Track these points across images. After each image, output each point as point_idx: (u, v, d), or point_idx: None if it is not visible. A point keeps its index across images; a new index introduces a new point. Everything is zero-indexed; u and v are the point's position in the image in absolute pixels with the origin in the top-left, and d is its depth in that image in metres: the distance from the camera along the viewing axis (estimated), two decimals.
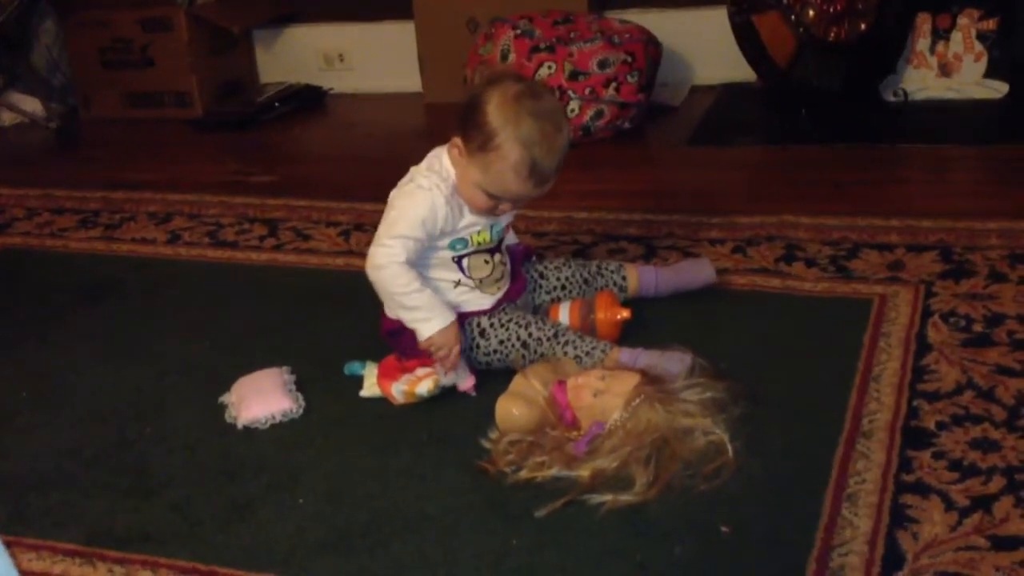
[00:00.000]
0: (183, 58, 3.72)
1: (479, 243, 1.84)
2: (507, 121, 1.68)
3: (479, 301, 1.86)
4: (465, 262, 1.84)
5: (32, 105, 3.82)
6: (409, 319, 1.78)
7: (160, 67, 3.75)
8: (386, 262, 1.76)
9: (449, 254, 1.83)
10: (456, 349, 1.77)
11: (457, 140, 1.75)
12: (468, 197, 1.77)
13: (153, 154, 3.47)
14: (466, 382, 1.78)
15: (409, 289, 1.76)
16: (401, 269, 1.76)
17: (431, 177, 1.78)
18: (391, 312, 1.85)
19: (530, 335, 1.81)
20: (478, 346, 1.83)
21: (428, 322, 1.76)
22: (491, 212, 1.79)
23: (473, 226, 1.82)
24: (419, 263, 1.80)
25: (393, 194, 1.83)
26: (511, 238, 1.99)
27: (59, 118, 3.78)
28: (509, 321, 1.83)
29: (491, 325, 1.83)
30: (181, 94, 3.77)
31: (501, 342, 1.82)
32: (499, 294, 1.88)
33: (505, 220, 1.89)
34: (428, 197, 1.76)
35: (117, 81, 3.82)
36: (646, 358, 1.73)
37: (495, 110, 1.69)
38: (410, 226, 1.76)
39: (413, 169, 1.83)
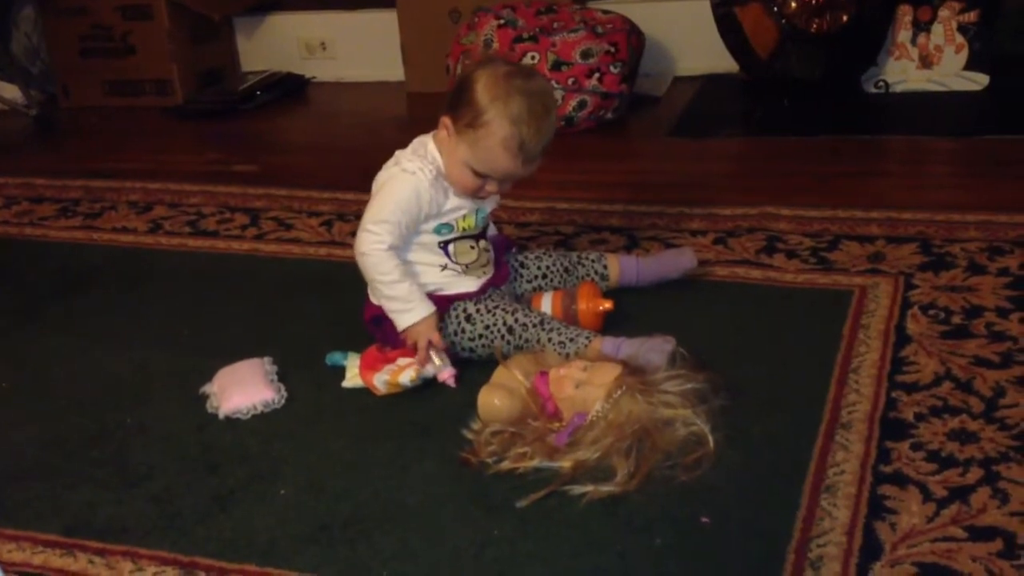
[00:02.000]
0: (163, 46, 3.69)
1: (464, 228, 1.85)
2: (496, 98, 1.71)
3: (466, 284, 1.87)
4: (451, 247, 1.85)
5: (11, 93, 3.79)
6: (389, 308, 1.81)
7: (140, 55, 3.73)
8: (369, 249, 1.77)
9: (435, 239, 1.84)
10: (429, 340, 1.77)
11: (446, 119, 1.77)
12: (455, 177, 1.79)
13: (134, 143, 3.45)
14: (444, 372, 1.78)
15: (390, 279, 1.78)
16: (384, 256, 1.77)
17: (416, 160, 1.79)
18: (375, 298, 1.86)
19: (516, 320, 1.81)
20: (463, 331, 1.83)
21: (406, 313, 1.78)
22: (477, 193, 1.80)
23: (458, 210, 1.83)
24: (404, 247, 1.81)
25: (378, 177, 1.84)
26: (491, 229, 2.00)
27: (38, 106, 3.75)
28: (495, 307, 1.84)
29: (477, 311, 1.84)
30: (162, 82, 3.75)
31: (487, 327, 1.82)
32: (485, 278, 1.89)
33: (489, 206, 1.91)
34: (412, 180, 1.78)
35: (97, 69, 3.79)
36: (628, 347, 1.73)
37: (485, 88, 1.72)
38: (394, 210, 1.77)
39: (398, 152, 1.85)
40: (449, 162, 1.79)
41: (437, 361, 1.78)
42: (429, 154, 1.81)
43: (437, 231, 1.83)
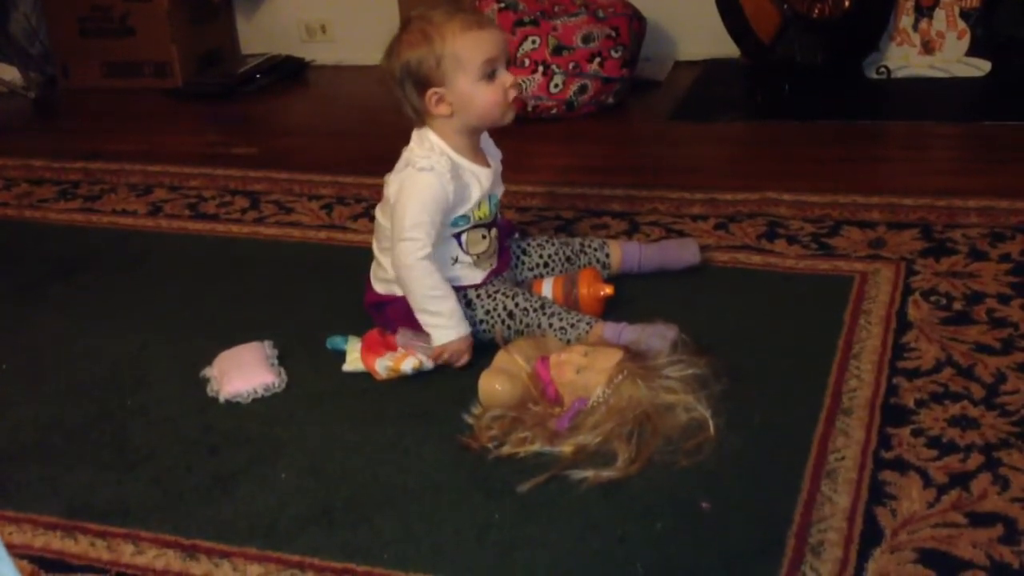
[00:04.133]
0: (163, 27, 3.68)
1: (480, 218, 1.85)
2: (424, 34, 1.75)
3: (472, 276, 1.87)
4: (464, 237, 1.84)
5: (10, 74, 3.78)
6: (428, 322, 1.78)
7: (140, 36, 3.71)
8: (412, 260, 1.76)
9: (451, 230, 1.83)
10: (464, 360, 1.78)
11: (431, 92, 1.76)
12: (481, 107, 1.77)
13: (133, 125, 3.43)
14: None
15: (434, 294, 1.77)
16: (428, 269, 1.76)
17: (429, 157, 1.78)
18: (379, 286, 1.86)
19: (516, 305, 1.81)
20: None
21: (445, 330, 1.77)
22: (507, 99, 1.78)
23: (475, 196, 1.82)
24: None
25: (391, 181, 1.82)
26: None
27: (38, 87, 3.74)
28: (496, 292, 1.84)
29: (478, 296, 1.84)
30: (161, 64, 3.73)
31: (487, 312, 1.82)
32: (489, 269, 1.89)
33: (500, 190, 1.90)
34: (431, 176, 1.76)
35: (96, 50, 3.77)
36: (629, 333, 1.73)
37: (412, 45, 1.76)
38: (423, 210, 1.76)
39: (405, 153, 1.83)
40: (467, 108, 1.77)
41: (422, 357, 1.78)
42: (436, 146, 1.79)
43: (455, 223, 1.82)
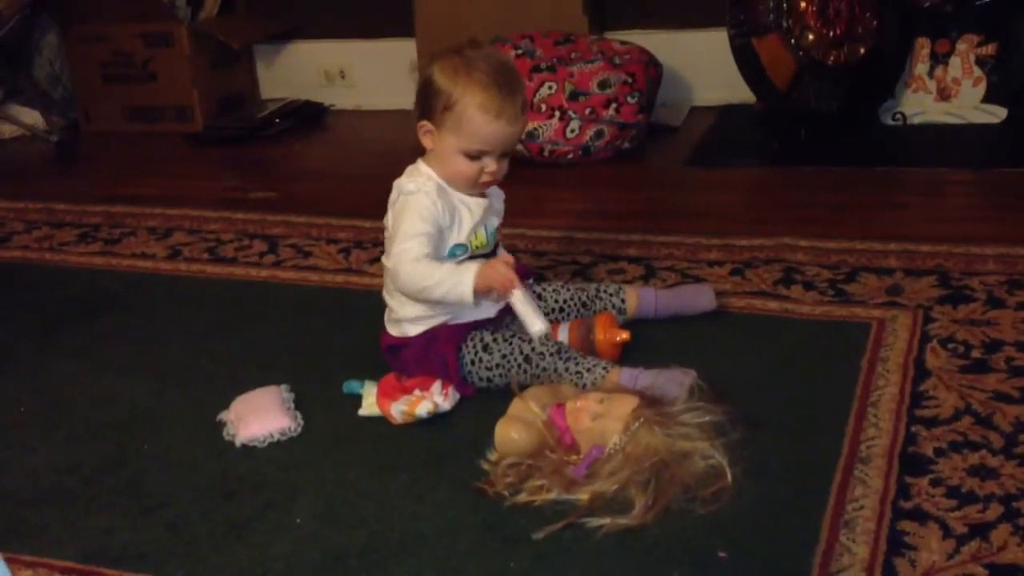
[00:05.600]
0: (184, 72, 3.73)
1: (477, 247, 1.86)
2: (458, 73, 1.74)
3: (483, 310, 1.87)
4: None
5: (33, 118, 3.83)
6: (446, 298, 1.77)
7: (161, 81, 3.77)
8: (403, 264, 1.77)
9: (450, 262, 1.84)
10: (503, 270, 1.75)
11: (423, 123, 1.80)
12: (453, 172, 1.80)
13: (153, 168, 3.47)
14: (539, 324, 1.75)
15: (429, 273, 1.76)
16: (420, 263, 1.76)
17: (415, 180, 1.81)
18: (394, 329, 1.86)
19: (532, 349, 1.81)
20: (480, 360, 1.83)
21: (460, 284, 1.76)
22: (479, 180, 1.80)
23: (467, 223, 1.83)
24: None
25: (387, 219, 1.86)
26: (504, 256, 2.00)
27: (60, 131, 3.79)
28: (512, 336, 1.84)
29: (494, 340, 1.84)
30: (182, 108, 3.78)
31: (504, 356, 1.82)
32: (502, 303, 1.88)
33: (495, 221, 1.91)
34: (420, 196, 1.79)
35: (118, 95, 3.83)
36: (645, 378, 1.73)
37: (443, 73, 1.76)
38: (416, 224, 1.77)
39: (395, 183, 1.86)
40: (441, 162, 1.80)
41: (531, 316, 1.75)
42: (423, 173, 1.83)
43: (452, 253, 1.84)
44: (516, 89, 1.77)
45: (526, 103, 1.80)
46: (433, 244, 1.79)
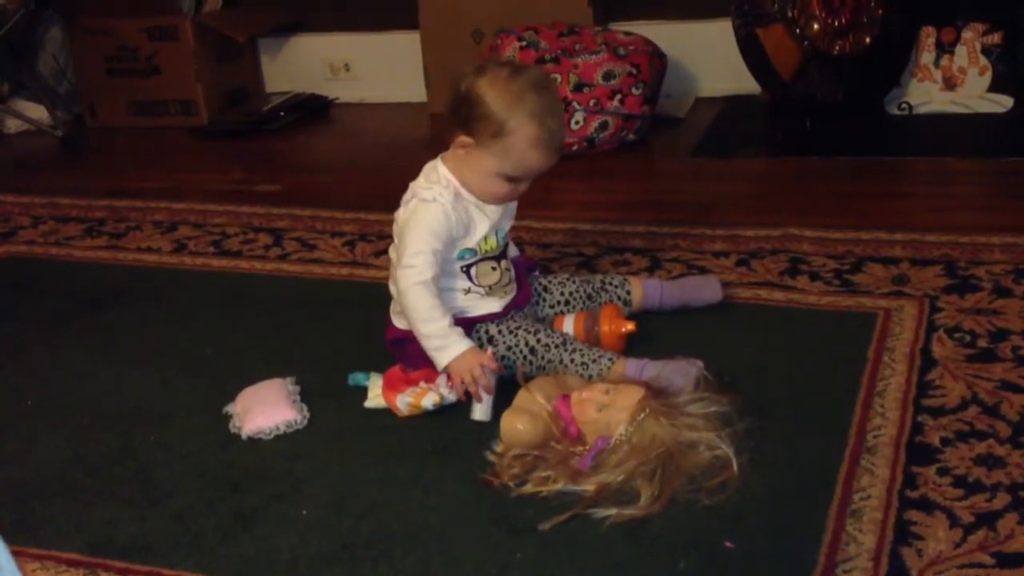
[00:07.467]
0: (189, 66, 3.72)
1: (486, 251, 1.86)
2: (513, 102, 1.73)
3: (489, 306, 1.87)
4: (473, 270, 1.85)
5: (38, 112, 3.83)
6: (427, 346, 1.78)
7: (165, 75, 3.76)
8: (409, 285, 1.76)
9: (458, 264, 1.84)
10: (478, 372, 1.73)
11: (464, 138, 1.78)
12: (484, 189, 1.80)
13: (158, 162, 3.47)
14: (480, 414, 1.75)
15: (430, 315, 1.76)
16: (424, 294, 1.76)
17: (432, 188, 1.79)
18: (398, 322, 1.86)
19: (538, 341, 1.81)
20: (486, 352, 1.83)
21: (444, 351, 1.76)
22: (511, 197, 1.83)
23: (480, 232, 1.83)
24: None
25: (399, 215, 1.85)
26: (513, 250, 2.00)
27: (64, 126, 3.78)
28: (518, 328, 1.84)
29: (499, 332, 1.84)
30: (186, 102, 3.78)
31: (509, 348, 1.82)
32: (508, 299, 1.89)
33: (508, 224, 1.91)
34: (434, 208, 1.78)
35: (123, 89, 3.82)
36: (651, 369, 1.73)
37: (496, 97, 1.73)
38: (427, 239, 1.77)
39: (412, 185, 1.85)
40: (474, 177, 1.79)
41: (482, 406, 1.74)
42: (443, 178, 1.81)
43: (460, 256, 1.83)
44: (560, 116, 1.80)
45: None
46: (439, 264, 1.78)
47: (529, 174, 1.79)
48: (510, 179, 1.78)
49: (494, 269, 1.88)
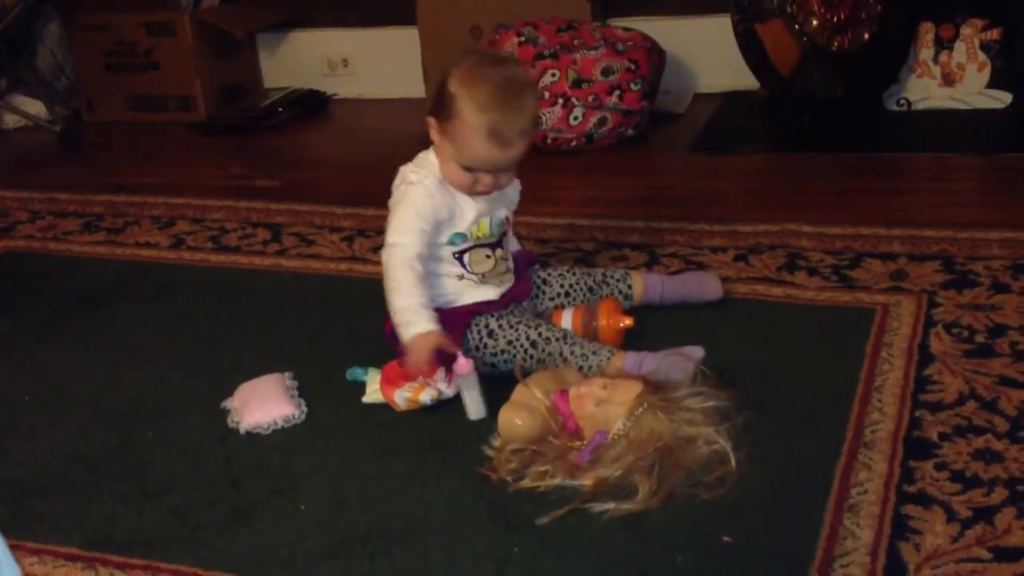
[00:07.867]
0: (187, 62, 3.72)
1: (478, 237, 1.86)
2: (463, 86, 1.73)
3: (484, 293, 1.87)
4: (466, 257, 1.85)
5: (36, 108, 3.83)
6: (396, 320, 1.77)
7: (164, 71, 3.76)
8: (393, 262, 1.78)
9: (449, 249, 1.84)
10: (423, 366, 1.72)
11: (430, 119, 1.80)
12: (449, 176, 1.80)
13: (157, 158, 3.47)
14: (473, 413, 1.74)
15: (405, 291, 1.75)
16: (407, 270, 1.76)
17: (418, 171, 1.82)
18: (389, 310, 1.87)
19: (539, 335, 1.81)
20: (485, 346, 1.83)
21: (408, 326, 1.74)
22: (473, 189, 1.81)
23: (470, 216, 1.83)
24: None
25: (391, 201, 1.86)
26: (513, 244, 2.00)
27: (63, 121, 3.78)
28: (518, 322, 1.84)
29: (499, 326, 1.84)
30: (185, 98, 3.78)
31: (509, 342, 1.82)
32: (504, 288, 1.89)
33: (503, 212, 1.90)
34: (419, 189, 1.80)
35: (121, 84, 3.82)
36: (650, 363, 1.72)
37: (456, 80, 1.74)
38: (414, 219, 1.78)
39: (402, 168, 1.86)
40: (442, 162, 1.81)
41: (470, 404, 1.73)
42: (430, 163, 1.83)
43: (451, 241, 1.84)
44: (515, 114, 1.73)
45: (528, 131, 1.77)
46: (427, 243, 1.79)
47: (480, 165, 1.77)
48: (467, 168, 1.78)
49: (488, 257, 1.88)
